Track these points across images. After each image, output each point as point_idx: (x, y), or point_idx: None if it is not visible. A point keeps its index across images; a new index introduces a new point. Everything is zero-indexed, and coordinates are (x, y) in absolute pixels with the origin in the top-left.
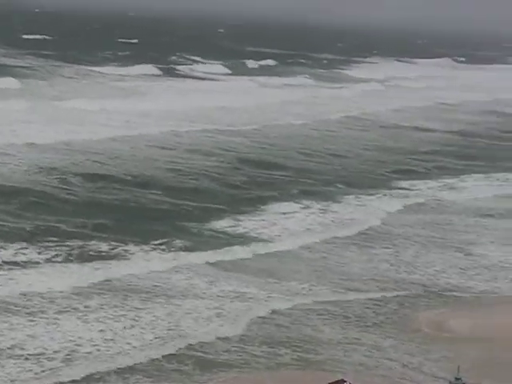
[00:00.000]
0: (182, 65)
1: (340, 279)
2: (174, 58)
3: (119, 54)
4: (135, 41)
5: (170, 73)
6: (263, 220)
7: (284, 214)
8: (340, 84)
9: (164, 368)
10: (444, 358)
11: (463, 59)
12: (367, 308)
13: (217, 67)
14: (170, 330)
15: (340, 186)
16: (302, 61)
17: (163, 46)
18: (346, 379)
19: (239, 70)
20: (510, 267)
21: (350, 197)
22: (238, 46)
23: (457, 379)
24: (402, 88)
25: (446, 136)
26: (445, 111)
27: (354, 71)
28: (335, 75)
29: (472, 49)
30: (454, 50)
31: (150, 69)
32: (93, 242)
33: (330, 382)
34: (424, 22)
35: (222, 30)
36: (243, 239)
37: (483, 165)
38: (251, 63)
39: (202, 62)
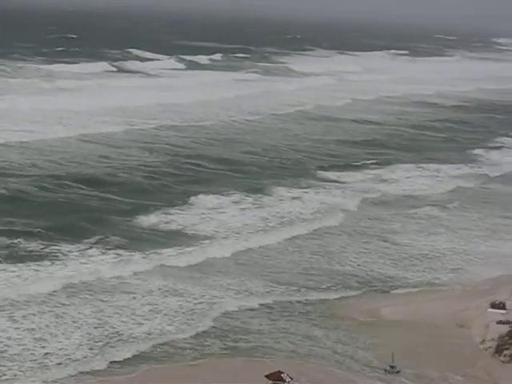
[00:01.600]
0: (135, 60)
1: (270, 272)
2: (125, 53)
3: (62, 49)
4: (74, 36)
5: (125, 70)
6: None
7: (216, 208)
8: (288, 78)
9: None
10: (376, 345)
11: (405, 52)
12: (299, 299)
13: (169, 62)
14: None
15: (273, 178)
16: (248, 55)
17: (108, 40)
18: (282, 371)
19: (192, 65)
20: (440, 256)
21: (282, 189)
22: (184, 40)
23: (391, 367)
24: (347, 82)
25: (397, 129)
26: (389, 104)
27: (300, 65)
28: (282, 70)
29: (407, 41)
30: (392, 43)
31: (104, 66)
32: (22, 241)
33: (265, 373)
34: (360, 16)
35: (162, 24)
36: (175, 236)
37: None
38: (202, 59)
39: (156, 59)
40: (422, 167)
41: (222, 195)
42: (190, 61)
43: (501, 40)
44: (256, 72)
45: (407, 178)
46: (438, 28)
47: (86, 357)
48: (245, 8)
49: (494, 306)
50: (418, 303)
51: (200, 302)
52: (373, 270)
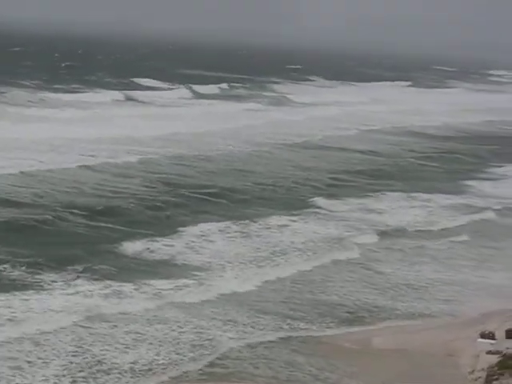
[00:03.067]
0: (143, 90)
1: (254, 301)
2: (131, 82)
3: (66, 78)
4: (69, 63)
5: (131, 99)
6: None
7: (202, 236)
8: (294, 108)
9: None
10: (364, 373)
11: (408, 83)
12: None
13: (174, 92)
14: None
15: (262, 207)
16: (249, 85)
17: (110, 69)
18: None
19: (197, 95)
20: (427, 287)
21: (273, 217)
22: (187, 69)
23: None
24: (353, 112)
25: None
26: (395, 135)
27: (304, 96)
28: (287, 100)
29: (406, 71)
30: (393, 73)
31: (110, 95)
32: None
33: None
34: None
35: (164, 52)
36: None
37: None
38: (206, 88)
39: (160, 88)
40: (412, 197)
41: (214, 223)
42: (195, 90)
43: (496, 72)
44: (260, 102)
45: (397, 208)
46: (431, 58)
47: None
48: (238, 35)
49: (483, 336)
50: (408, 333)
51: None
52: (360, 299)
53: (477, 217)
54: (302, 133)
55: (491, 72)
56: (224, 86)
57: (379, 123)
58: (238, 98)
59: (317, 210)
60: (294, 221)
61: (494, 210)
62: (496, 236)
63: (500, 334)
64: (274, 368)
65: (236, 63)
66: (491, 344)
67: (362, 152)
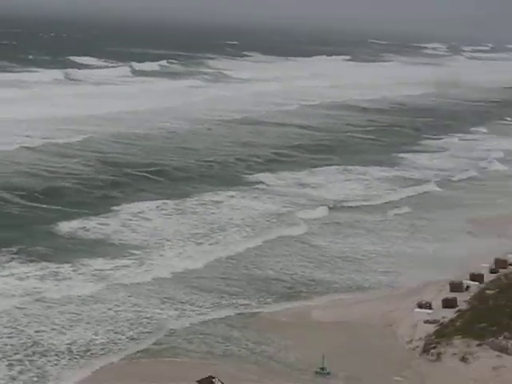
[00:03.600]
0: (82, 68)
1: (193, 279)
2: (70, 61)
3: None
4: (15, 42)
5: (72, 78)
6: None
7: (140, 214)
8: (235, 84)
9: None
10: (305, 347)
11: (347, 57)
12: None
13: (115, 70)
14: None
15: (200, 184)
16: (188, 61)
17: (49, 47)
18: (214, 376)
19: (137, 73)
20: (364, 259)
21: (212, 194)
22: (123, 47)
23: (321, 369)
24: (294, 87)
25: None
26: (335, 109)
27: (244, 71)
28: (226, 76)
29: (344, 46)
30: (331, 48)
31: (54, 74)
32: None
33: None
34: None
35: (105, 31)
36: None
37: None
38: (150, 65)
39: (102, 66)
40: (349, 170)
41: (151, 201)
42: (135, 68)
43: (431, 45)
44: (199, 79)
45: (334, 182)
46: (367, 32)
47: None
48: (171, 12)
49: (420, 306)
50: (346, 305)
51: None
52: (297, 273)
53: (412, 189)
54: (241, 109)
55: (425, 45)
56: (163, 63)
57: (319, 98)
58: (177, 75)
59: (255, 185)
60: (232, 196)
61: (429, 181)
62: (431, 208)
63: (436, 303)
64: (209, 343)
65: (174, 40)
66: (428, 314)
67: (300, 127)
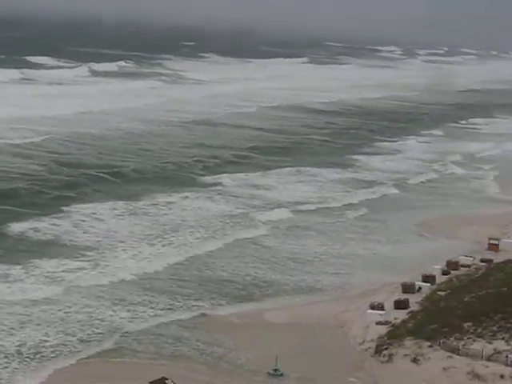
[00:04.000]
0: (39, 69)
1: (146, 280)
2: (27, 61)
3: None
4: None
5: (30, 78)
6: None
7: (93, 214)
8: (193, 85)
9: None
10: (257, 348)
11: (305, 59)
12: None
13: (77, 70)
14: None
15: (154, 185)
16: (147, 62)
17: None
18: (167, 377)
19: (99, 73)
20: (315, 260)
21: (166, 195)
22: (80, 47)
23: (275, 370)
24: (253, 89)
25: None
26: (292, 111)
27: (202, 73)
28: (185, 78)
29: (301, 48)
30: (288, 49)
31: (10, 73)
32: None
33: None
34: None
35: (61, 30)
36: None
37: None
38: (108, 66)
39: (60, 66)
40: (302, 171)
41: (105, 202)
42: (93, 69)
43: (386, 48)
44: (158, 80)
45: (286, 184)
46: (322, 34)
47: None
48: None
49: (373, 307)
50: (299, 306)
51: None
52: (249, 274)
53: (365, 191)
54: (198, 110)
55: (380, 48)
56: (121, 63)
57: (276, 100)
58: (134, 76)
59: (209, 187)
60: (186, 197)
61: (383, 184)
62: (384, 210)
63: (389, 304)
64: (158, 344)
65: (131, 40)
66: (380, 315)
67: (257, 129)
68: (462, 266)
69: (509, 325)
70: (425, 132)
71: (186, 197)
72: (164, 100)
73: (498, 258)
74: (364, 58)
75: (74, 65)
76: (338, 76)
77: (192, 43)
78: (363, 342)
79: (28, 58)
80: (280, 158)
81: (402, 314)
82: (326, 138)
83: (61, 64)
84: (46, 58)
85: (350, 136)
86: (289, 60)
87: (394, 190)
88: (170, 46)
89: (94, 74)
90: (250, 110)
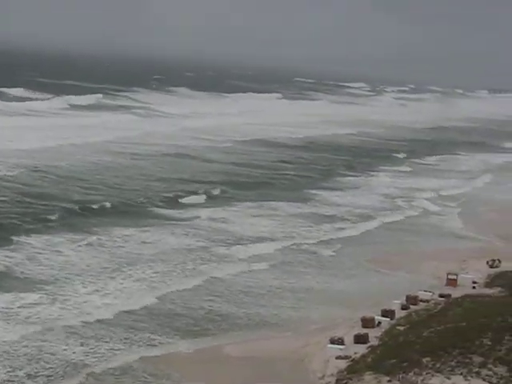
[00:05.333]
0: (13, 101)
1: (101, 313)
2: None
3: None
4: None
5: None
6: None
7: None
8: (166, 119)
9: None
10: (215, 382)
11: (278, 95)
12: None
13: (52, 102)
14: None
15: (113, 219)
16: (121, 96)
17: None
18: None
19: (75, 106)
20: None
21: (125, 229)
22: (55, 79)
23: None
24: (227, 125)
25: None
26: (265, 146)
27: (173, 106)
28: (157, 111)
29: (274, 83)
30: (261, 85)
31: None
32: None
33: None
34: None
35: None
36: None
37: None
38: (79, 98)
39: (36, 98)
40: (263, 205)
41: (57, 234)
42: (69, 101)
43: (355, 84)
44: (133, 113)
45: (244, 218)
46: (292, 70)
47: None
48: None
49: (333, 341)
50: (257, 340)
51: None
52: (203, 307)
53: (323, 227)
54: (170, 143)
55: (349, 84)
56: (93, 96)
57: (249, 135)
58: (107, 109)
59: (170, 220)
60: (146, 231)
61: (343, 219)
62: (340, 244)
63: (349, 339)
64: (107, 380)
65: (106, 73)
66: (340, 349)
67: (226, 163)
68: (421, 300)
69: (467, 360)
70: (390, 168)
71: (147, 230)
72: (136, 133)
73: (456, 293)
74: (334, 94)
75: (46, 97)
76: (309, 112)
77: (163, 76)
78: (323, 376)
79: (1, 89)
80: (244, 191)
81: (361, 349)
82: (292, 173)
83: (34, 96)
84: (19, 89)
85: (316, 171)
86: (261, 95)
87: (353, 225)
88: (142, 79)
89: (68, 106)
90: (221, 145)
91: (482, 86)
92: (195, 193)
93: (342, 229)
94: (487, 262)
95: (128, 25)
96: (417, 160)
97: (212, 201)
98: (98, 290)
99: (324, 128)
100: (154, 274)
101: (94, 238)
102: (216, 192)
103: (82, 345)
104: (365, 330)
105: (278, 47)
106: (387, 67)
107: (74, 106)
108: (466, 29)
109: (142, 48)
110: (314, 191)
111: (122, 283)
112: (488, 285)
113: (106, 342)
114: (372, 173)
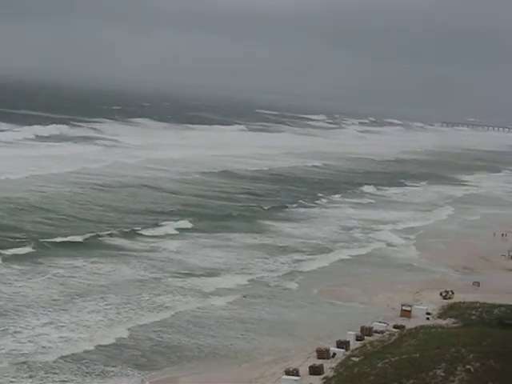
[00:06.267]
0: None
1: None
2: None
3: None
4: None
5: None
6: None
7: None
8: (133, 151)
9: None
10: None
11: (243, 127)
12: None
13: (15, 134)
14: None
15: (63, 249)
16: (82, 127)
17: None
18: None
19: (40, 137)
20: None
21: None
22: (16, 109)
23: None
24: (197, 156)
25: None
26: (228, 177)
27: (136, 138)
28: (122, 143)
29: (236, 116)
30: (216, 115)
31: None
32: None
33: None
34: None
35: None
36: None
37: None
38: (40, 130)
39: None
40: (215, 237)
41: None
42: (33, 132)
43: (315, 117)
44: (97, 145)
45: (195, 248)
46: (252, 102)
47: None
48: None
49: (288, 372)
50: (214, 371)
51: None
52: (152, 338)
53: (276, 258)
54: (129, 174)
55: (310, 116)
56: (61, 127)
57: (211, 166)
58: (75, 140)
59: (120, 250)
60: (95, 261)
61: (296, 250)
62: (294, 276)
63: (304, 370)
64: None
65: (67, 104)
66: (295, 380)
67: (179, 193)
68: (376, 332)
69: None
70: (348, 200)
71: (95, 261)
72: (99, 165)
73: (410, 324)
74: (297, 126)
75: (12, 127)
76: (273, 144)
77: (122, 107)
78: None
79: None
80: (201, 222)
81: (316, 380)
82: (248, 204)
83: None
84: None
85: (272, 202)
86: (226, 127)
87: (308, 257)
88: (103, 110)
89: (34, 137)
90: (183, 176)
91: (439, 119)
92: (153, 224)
93: (298, 260)
94: (441, 294)
95: (79, 57)
96: (376, 192)
97: (165, 231)
98: (48, 324)
99: (286, 160)
100: (107, 306)
101: (43, 268)
102: (169, 222)
103: (30, 377)
104: (320, 361)
105: (236, 79)
106: (346, 100)
107: (39, 137)
108: (425, 65)
109: (95, 79)
110: (270, 222)
111: (77, 315)
112: (441, 316)
113: (56, 373)
114: (330, 204)
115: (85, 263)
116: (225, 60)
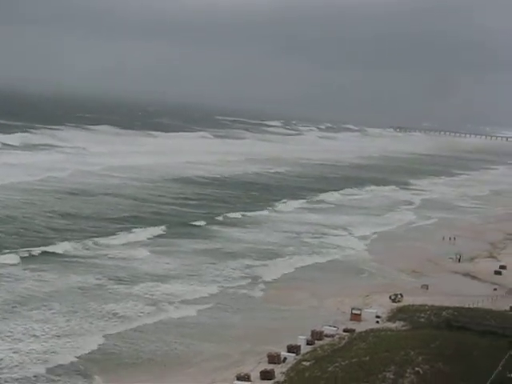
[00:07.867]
0: None
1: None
2: None
3: None
4: None
5: None
6: None
7: None
8: (98, 158)
9: None
10: None
11: (205, 133)
12: None
13: None
14: None
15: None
16: (45, 134)
17: None
18: None
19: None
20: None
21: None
22: None
23: None
24: (164, 163)
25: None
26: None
27: (102, 146)
28: (85, 151)
29: (195, 123)
30: (175, 121)
31: None
32: None
33: None
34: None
35: None
36: None
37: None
38: (10, 138)
39: None
40: (168, 243)
41: None
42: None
43: (272, 122)
44: (60, 152)
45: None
46: (211, 109)
47: None
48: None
49: (239, 378)
50: (167, 379)
51: None
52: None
53: (225, 263)
54: (88, 182)
55: (267, 122)
56: (24, 135)
57: (169, 173)
58: (37, 148)
59: (65, 257)
60: (43, 270)
61: (244, 255)
62: (240, 281)
63: (255, 375)
64: None
65: (29, 111)
66: None
67: (135, 198)
68: (326, 335)
69: None
70: (296, 205)
71: (43, 269)
72: (63, 174)
73: (360, 327)
74: (256, 132)
75: None
76: (235, 150)
77: (88, 115)
78: None
79: None
80: (150, 227)
81: None
82: (197, 211)
83: None
84: None
85: (217, 207)
86: (189, 134)
87: (257, 262)
88: (65, 118)
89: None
90: (141, 183)
91: (393, 125)
92: (95, 229)
93: (246, 265)
94: (390, 297)
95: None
96: (333, 197)
97: (115, 237)
98: None
99: (244, 166)
100: (52, 316)
101: None
102: (120, 228)
103: None
104: (271, 366)
105: (190, 85)
106: (298, 106)
107: (5, 145)
108: (377, 72)
109: (53, 87)
110: (218, 227)
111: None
112: (391, 319)
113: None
114: (278, 208)
115: (31, 271)
116: (173, 67)
